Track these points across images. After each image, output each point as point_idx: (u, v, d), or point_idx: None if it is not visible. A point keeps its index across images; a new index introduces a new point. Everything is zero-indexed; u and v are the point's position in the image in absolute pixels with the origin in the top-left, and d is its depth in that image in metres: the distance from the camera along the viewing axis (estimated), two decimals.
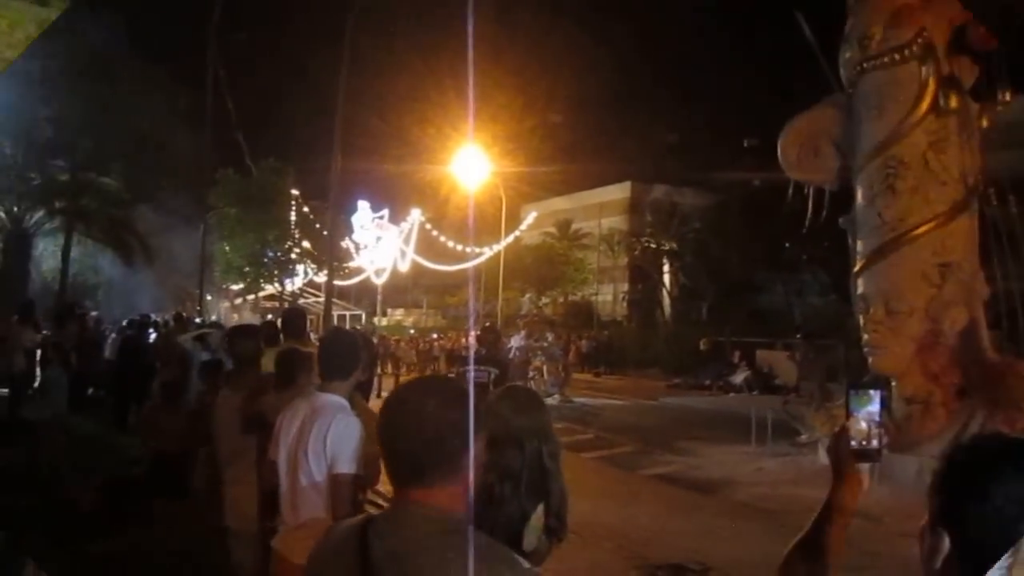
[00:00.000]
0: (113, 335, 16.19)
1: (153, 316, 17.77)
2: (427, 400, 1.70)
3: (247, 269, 36.09)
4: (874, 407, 1.75)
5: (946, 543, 1.37)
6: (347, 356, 3.69)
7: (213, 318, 24.75)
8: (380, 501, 5.91)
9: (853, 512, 1.75)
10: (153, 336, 15.12)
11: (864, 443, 1.73)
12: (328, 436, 3.36)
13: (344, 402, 3.55)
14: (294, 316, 6.51)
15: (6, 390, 12.18)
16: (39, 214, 23.79)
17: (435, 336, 36.31)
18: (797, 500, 9.21)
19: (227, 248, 34.23)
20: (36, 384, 11.96)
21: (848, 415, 1.75)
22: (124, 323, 16.16)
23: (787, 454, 11.95)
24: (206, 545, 4.94)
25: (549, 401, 21.76)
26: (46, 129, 21.14)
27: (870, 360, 10.06)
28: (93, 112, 21.60)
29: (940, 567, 1.37)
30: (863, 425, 1.74)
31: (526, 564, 1.65)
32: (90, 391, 14.35)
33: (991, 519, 1.31)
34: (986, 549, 1.30)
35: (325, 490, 3.34)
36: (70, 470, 8.61)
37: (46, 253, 26.52)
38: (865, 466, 1.75)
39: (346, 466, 3.34)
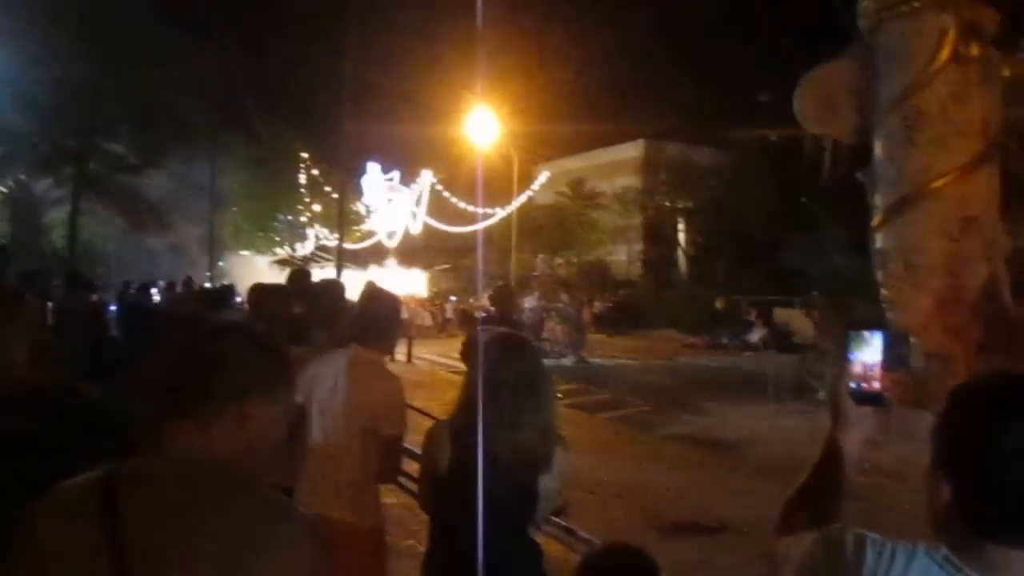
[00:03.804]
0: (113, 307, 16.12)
1: (160, 282, 17.74)
2: (215, 337, 1.63)
3: (260, 234, 36.23)
4: (874, 348, 1.67)
5: (947, 489, 1.31)
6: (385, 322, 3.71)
7: (225, 282, 24.81)
8: None
9: (854, 458, 1.71)
10: (156, 299, 15.10)
11: (864, 385, 1.66)
12: (374, 395, 3.39)
13: (382, 358, 3.59)
14: (300, 277, 6.42)
15: None
16: (47, 182, 23.80)
17: (454, 299, 36.33)
18: (815, 458, 9.18)
19: (236, 212, 34.34)
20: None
21: (847, 357, 1.68)
22: (122, 289, 16.07)
23: (805, 412, 11.93)
24: None
25: (564, 362, 21.81)
26: (52, 94, 21.00)
27: (888, 316, 9.95)
28: (99, 76, 21.47)
29: (940, 513, 1.33)
30: (862, 366, 1.66)
31: (294, 508, 1.55)
32: (103, 358, 14.39)
33: (991, 462, 1.25)
34: (986, 496, 1.27)
35: (357, 449, 3.36)
36: (87, 436, 8.62)
37: (55, 221, 26.56)
38: (871, 411, 1.68)
39: (396, 427, 3.39)
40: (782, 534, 1.59)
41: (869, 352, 1.67)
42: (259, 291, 5.09)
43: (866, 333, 1.69)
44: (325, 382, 3.51)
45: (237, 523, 1.41)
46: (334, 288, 4.31)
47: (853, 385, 1.67)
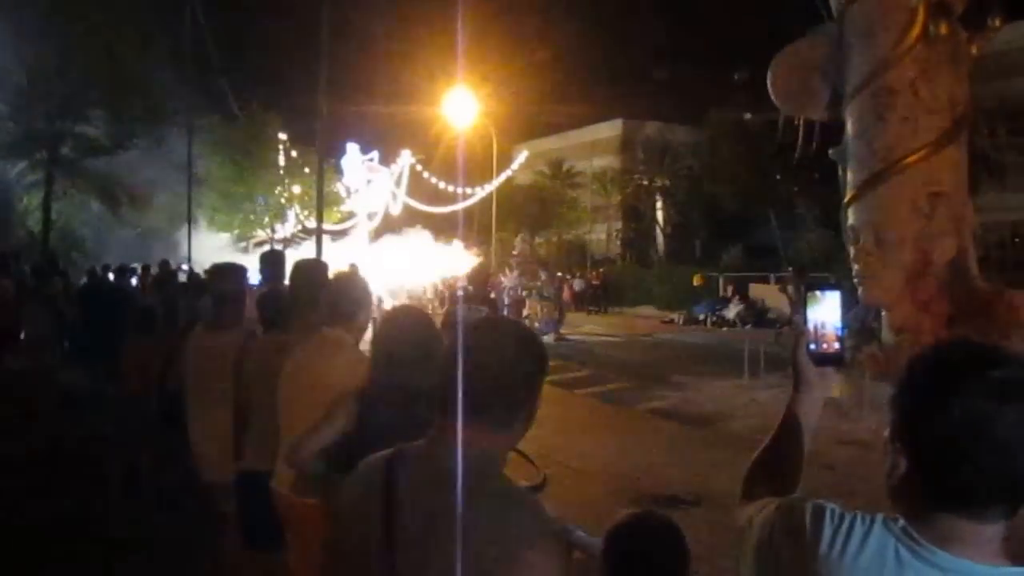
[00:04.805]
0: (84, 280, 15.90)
1: (135, 265, 17.57)
2: (510, 343, 1.68)
3: (239, 216, 35.97)
4: (832, 308, 1.66)
5: (903, 460, 1.30)
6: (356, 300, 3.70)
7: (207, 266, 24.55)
8: None
9: (813, 423, 1.69)
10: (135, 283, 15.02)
11: (824, 346, 1.65)
12: (339, 372, 3.33)
13: (348, 337, 3.55)
14: (272, 259, 6.20)
15: None
16: (21, 165, 23.46)
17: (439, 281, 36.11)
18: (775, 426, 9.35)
19: (214, 195, 34.01)
20: (23, 336, 11.83)
21: (804, 319, 1.67)
22: (90, 272, 15.75)
23: (780, 386, 12.04)
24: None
25: (544, 340, 21.84)
26: (21, 76, 20.64)
27: (860, 291, 10.11)
28: (70, 57, 21.08)
29: (897, 484, 1.32)
30: (819, 327, 1.65)
31: (549, 515, 1.61)
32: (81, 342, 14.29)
33: (943, 433, 1.24)
34: (940, 467, 1.26)
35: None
36: (64, 420, 8.64)
37: (31, 206, 26.18)
38: (831, 372, 1.67)
39: None
40: (745, 502, 1.59)
41: (824, 311, 1.66)
42: (212, 271, 5.14)
43: (819, 292, 1.67)
44: (290, 367, 3.54)
45: (504, 518, 1.53)
46: (314, 269, 4.26)
47: (812, 346, 1.65)
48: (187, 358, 4.56)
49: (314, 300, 3.91)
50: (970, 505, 1.25)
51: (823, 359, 1.65)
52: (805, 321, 1.66)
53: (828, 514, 1.34)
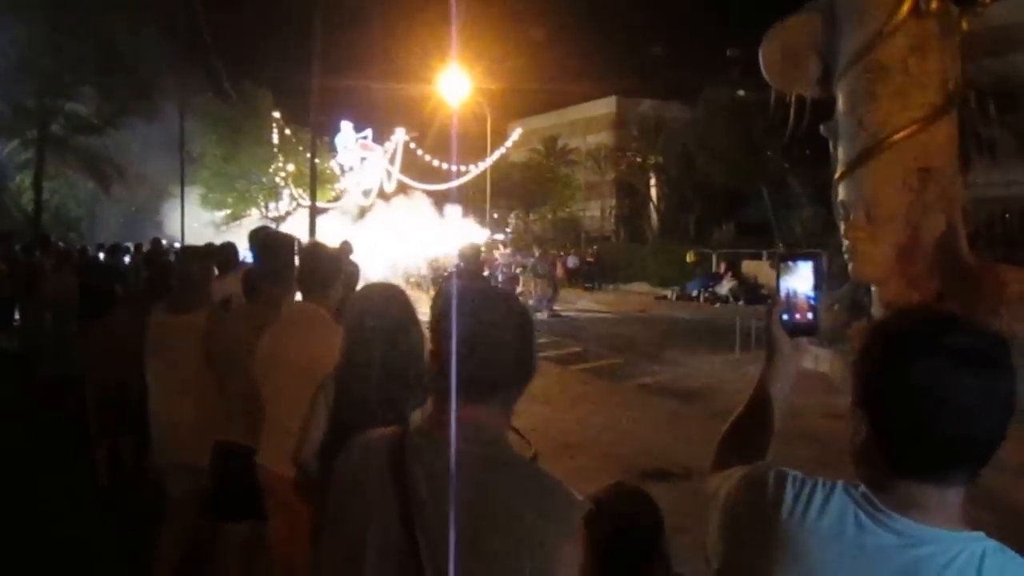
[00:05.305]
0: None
1: (128, 244, 17.55)
2: (507, 318, 1.62)
3: (232, 195, 35.87)
4: (806, 278, 1.65)
5: (864, 426, 1.29)
6: (327, 272, 3.68)
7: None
8: None
9: (786, 393, 1.67)
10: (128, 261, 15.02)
11: (797, 316, 1.64)
12: (314, 345, 3.33)
13: (322, 310, 3.53)
14: (259, 235, 6.17)
15: None
16: (13, 144, 23.33)
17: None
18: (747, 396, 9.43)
19: (206, 173, 33.90)
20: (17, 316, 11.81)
21: (778, 289, 1.65)
22: (81, 251, 15.71)
23: None
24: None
25: (538, 316, 21.94)
26: (9, 53, 20.46)
27: (851, 266, 10.17)
28: (59, 34, 20.87)
29: (858, 450, 1.31)
30: (793, 297, 1.64)
31: (577, 496, 1.55)
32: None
33: (901, 399, 1.24)
34: (899, 433, 1.26)
35: (304, 400, 3.22)
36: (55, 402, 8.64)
37: (24, 185, 26.05)
38: (804, 342, 1.66)
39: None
40: (715, 471, 1.57)
41: (797, 281, 1.64)
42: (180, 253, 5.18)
43: (791, 262, 1.66)
44: (266, 340, 3.54)
45: (531, 501, 1.50)
46: (285, 244, 4.27)
47: (785, 316, 1.64)
48: (147, 338, 4.52)
49: (280, 273, 3.92)
50: (929, 471, 1.25)
51: (797, 329, 1.64)
52: (779, 292, 1.65)
53: (790, 481, 1.33)
